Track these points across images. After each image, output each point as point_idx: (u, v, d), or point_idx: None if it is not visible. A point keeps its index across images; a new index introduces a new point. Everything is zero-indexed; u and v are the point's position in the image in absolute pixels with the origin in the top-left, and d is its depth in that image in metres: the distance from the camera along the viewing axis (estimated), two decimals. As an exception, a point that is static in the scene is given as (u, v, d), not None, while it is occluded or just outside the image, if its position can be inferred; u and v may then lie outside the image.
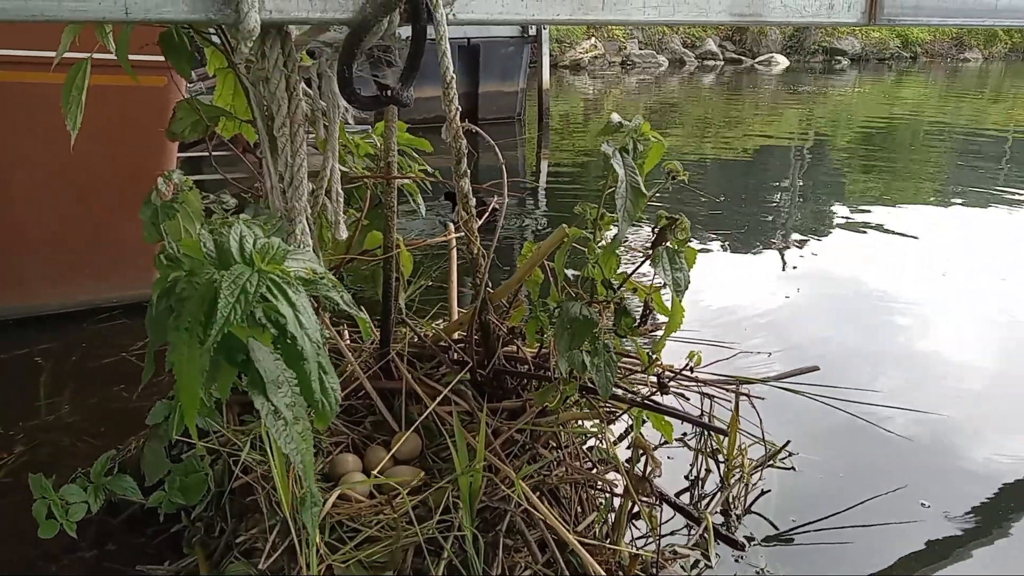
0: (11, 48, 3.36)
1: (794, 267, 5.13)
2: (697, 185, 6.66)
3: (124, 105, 3.62)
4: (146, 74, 3.45)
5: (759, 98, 15.69)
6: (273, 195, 2.04)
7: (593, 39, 20.70)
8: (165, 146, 3.84)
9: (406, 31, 1.91)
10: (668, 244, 1.89)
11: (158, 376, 2.99)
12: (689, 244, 1.96)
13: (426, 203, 2.67)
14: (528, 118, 11.44)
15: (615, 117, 1.89)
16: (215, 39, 2.15)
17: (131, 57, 2.15)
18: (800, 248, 5.57)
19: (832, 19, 2.44)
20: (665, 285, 2.14)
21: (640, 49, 21.31)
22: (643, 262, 2.01)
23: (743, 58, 22.27)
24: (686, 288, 1.86)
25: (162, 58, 3.53)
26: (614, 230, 1.83)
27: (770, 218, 6.41)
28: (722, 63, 21.95)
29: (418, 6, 1.84)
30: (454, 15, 1.93)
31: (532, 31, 11.10)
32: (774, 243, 5.70)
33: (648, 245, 1.98)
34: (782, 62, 22.03)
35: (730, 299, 4.39)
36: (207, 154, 4.99)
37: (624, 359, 2.33)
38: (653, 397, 2.21)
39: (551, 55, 15.11)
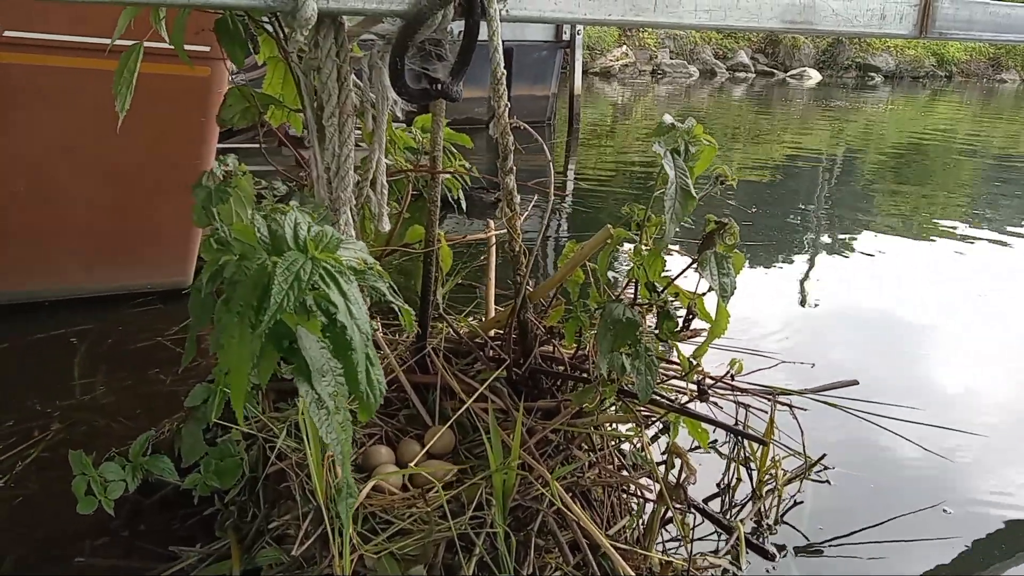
0: (56, 33, 3.41)
1: (818, 279, 5.07)
2: (724, 197, 6.57)
3: (167, 94, 3.65)
4: (191, 63, 3.51)
5: (790, 112, 15.56)
6: (319, 185, 2.05)
7: (624, 47, 20.66)
8: (206, 136, 3.88)
9: (457, 26, 1.92)
10: (716, 249, 1.87)
11: (194, 360, 3.02)
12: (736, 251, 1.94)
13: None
14: (557, 123, 11.43)
15: (667, 118, 1.87)
16: (268, 27, 2.16)
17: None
18: (828, 263, 5.50)
19: (883, 30, 2.41)
20: (707, 291, 2.12)
21: (671, 58, 21.24)
22: (689, 266, 1.99)
23: (775, 71, 22.11)
24: (732, 293, 1.84)
25: (207, 48, 3.59)
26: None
27: (797, 232, 6.34)
28: (753, 75, 21.81)
29: (473, 1, 1.85)
30: (507, 11, 1.93)
31: (566, 36, 11.11)
32: (802, 256, 5.64)
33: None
34: (814, 76, 21.84)
35: (760, 309, 4.35)
36: (245, 145, 5.04)
37: (662, 364, 2.31)
38: (691, 404, 2.19)
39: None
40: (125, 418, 2.87)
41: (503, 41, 1.85)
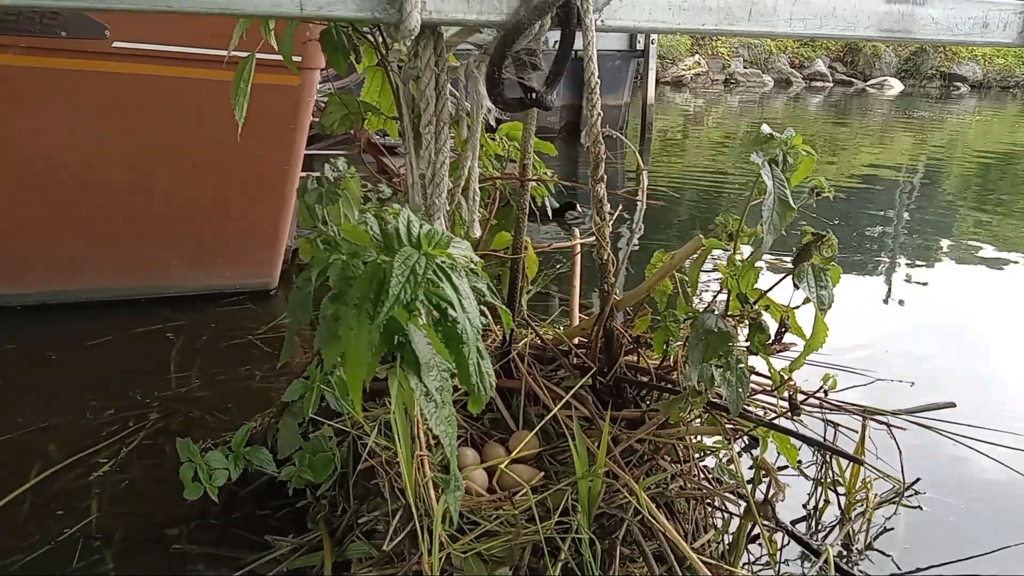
0: (161, 44, 3.60)
1: (900, 302, 4.88)
2: (804, 210, 6.42)
3: (260, 102, 3.80)
4: (282, 73, 3.65)
5: (869, 123, 15.07)
6: (414, 191, 2.10)
7: (697, 56, 20.43)
8: (295, 142, 4.03)
9: (552, 36, 1.94)
10: (813, 261, 1.84)
11: (277, 360, 3.10)
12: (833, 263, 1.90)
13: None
14: (630, 132, 11.38)
15: (765, 128, 1.85)
16: (369, 38, 2.24)
17: (271, 57, 2.27)
18: (910, 281, 5.30)
19: (986, 39, 2.33)
20: (800, 305, 2.08)
21: (745, 67, 20.87)
22: (782, 278, 1.96)
23: (854, 80, 21.46)
24: (830, 306, 1.81)
25: (299, 58, 3.73)
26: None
27: (877, 248, 6.13)
28: (831, 85, 21.22)
29: (570, 11, 1.87)
30: (602, 21, 1.95)
31: (640, 45, 11.07)
32: (881, 273, 5.45)
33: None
34: (896, 86, 21.10)
35: (847, 326, 4.22)
36: (326, 152, 5.20)
37: (751, 377, 2.27)
38: (781, 419, 2.15)
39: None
40: (218, 411, 2.99)
41: (576, 51, 1.87)
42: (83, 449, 2.72)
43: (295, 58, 3.68)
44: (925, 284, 5.29)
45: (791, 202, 1.78)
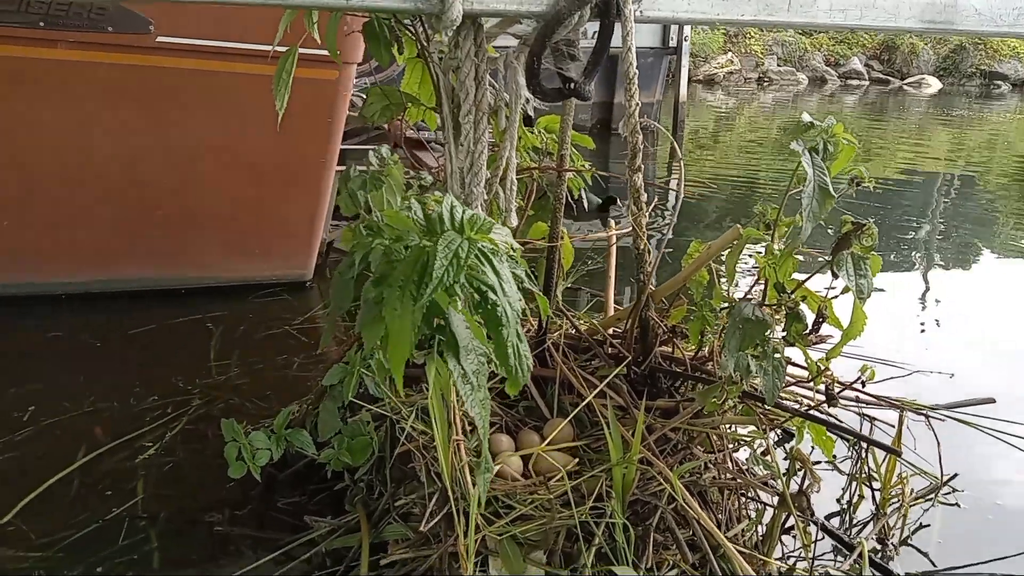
0: (204, 39, 3.68)
1: (937, 301, 4.80)
2: (838, 208, 6.34)
3: (299, 96, 3.87)
4: (320, 67, 3.71)
5: (906, 122, 14.80)
6: (453, 180, 2.13)
7: (730, 53, 20.23)
8: (331, 136, 4.09)
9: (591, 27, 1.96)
10: (852, 250, 1.83)
11: (317, 350, 3.16)
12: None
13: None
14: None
15: (806, 116, 1.85)
16: (410, 30, 2.27)
17: (309, 51, 2.31)
18: (947, 280, 5.22)
19: (1032, 29, 2.29)
20: (837, 295, 2.07)
21: (779, 65, 20.62)
22: (820, 268, 1.96)
23: (891, 79, 21.08)
24: (870, 295, 1.80)
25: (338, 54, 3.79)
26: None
27: (914, 247, 6.04)
28: (867, 83, 20.86)
29: (610, 2, 1.89)
30: (641, 12, 1.96)
31: (672, 43, 11.01)
32: (917, 271, 5.36)
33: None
34: (934, 84, 20.67)
35: (883, 320, 4.17)
36: (361, 147, 5.27)
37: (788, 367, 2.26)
38: (818, 409, 2.14)
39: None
40: (257, 399, 3.06)
41: (610, 48, 1.88)
42: (128, 433, 2.80)
43: (334, 52, 3.77)
44: (963, 283, 5.21)
45: (831, 190, 1.78)
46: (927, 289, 5.06)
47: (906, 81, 20.87)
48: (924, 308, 4.65)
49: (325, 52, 2.44)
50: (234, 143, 3.88)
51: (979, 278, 5.34)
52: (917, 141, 12.22)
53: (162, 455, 2.68)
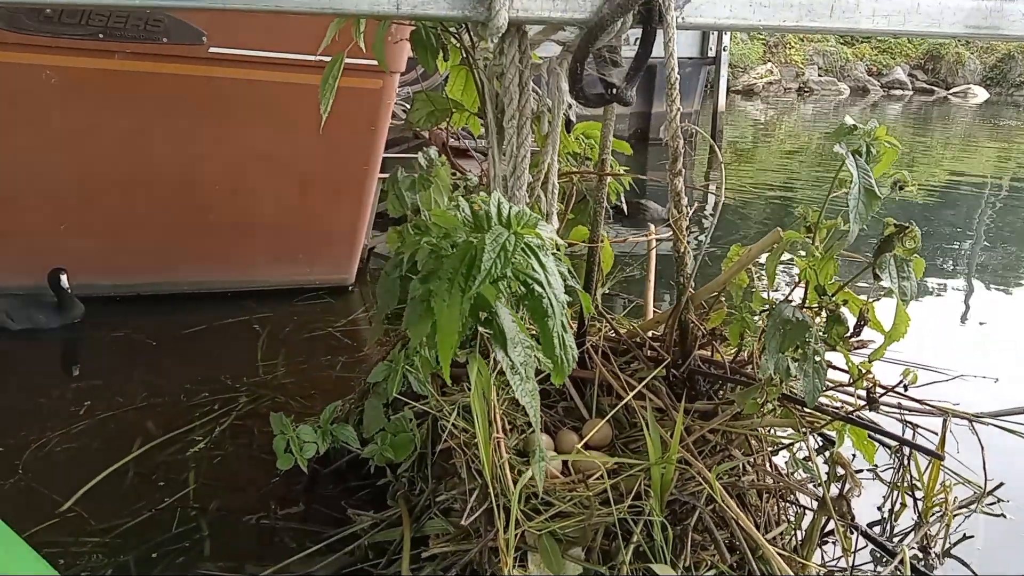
0: (254, 49, 3.80)
1: (985, 316, 4.70)
2: (880, 217, 6.24)
3: (343, 104, 3.98)
4: (364, 77, 3.81)
5: (951, 132, 14.49)
6: (496, 184, 2.18)
7: (769, 63, 20.05)
8: (374, 144, 4.18)
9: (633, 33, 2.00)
10: (895, 252, 1.83)
11: (361, 350, 3.23)
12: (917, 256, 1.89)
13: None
14: (699, 140, 11.26)
15: (848, 119, 1.86)
16: (454, 37, 2.34)
17: (353, 61, 2.38)
18: (990, 291, 5.11)
19: (1080, 33, 2.27)
20: (878, 298, 2.07)
21: (819, 75, 20.37)
22: (863, 271, 1.96)
23: (935, 88, 20.67)
24: (913, 298, 1.80)
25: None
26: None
27: (958, 258, 5.92)
28: (911, 93, 20.49)
29: (652, 8, 1.92)
30: (683, 18, 1.99)
31: (711, 53, 10.99)
32: (959, 282, 5.26)
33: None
34: (980, 94, 20.19)
35: (927, 329, 4.11)
36: (404, 155, 5.36)
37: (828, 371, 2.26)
38: (859, 413, 2.13)
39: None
40: (302, 397, 3.15)
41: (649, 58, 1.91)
42: (179, 427, 2.90)
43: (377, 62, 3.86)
44: (1008, 290, 5.09)
45: (877, 191, 1.79)
46: (970, 295, 4.97)
47: (951, 91, 20.45)
48: (968, 314, 4.56)
49: (369, 62, 2.53)
50: (281, 151, 4.00)
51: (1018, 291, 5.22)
52: (963, 152, 11.96)
53: (211, 449, 2.77)
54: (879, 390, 2.06)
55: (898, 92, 20.46)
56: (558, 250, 1.51)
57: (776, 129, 14.65)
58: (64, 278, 3.72)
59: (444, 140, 4.53)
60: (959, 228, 6.90)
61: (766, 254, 2.13)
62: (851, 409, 2.16)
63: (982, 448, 2.40)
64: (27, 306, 3.73)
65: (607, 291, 3.32)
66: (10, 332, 3.67)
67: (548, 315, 1.36)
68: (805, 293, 2.02)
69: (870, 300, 2.02)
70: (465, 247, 1.39)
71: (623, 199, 2.70)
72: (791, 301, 1.96)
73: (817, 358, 1.91)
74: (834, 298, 1.99)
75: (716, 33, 10.74)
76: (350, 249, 4.35)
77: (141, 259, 4.06)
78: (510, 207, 1.45)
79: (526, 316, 1.50)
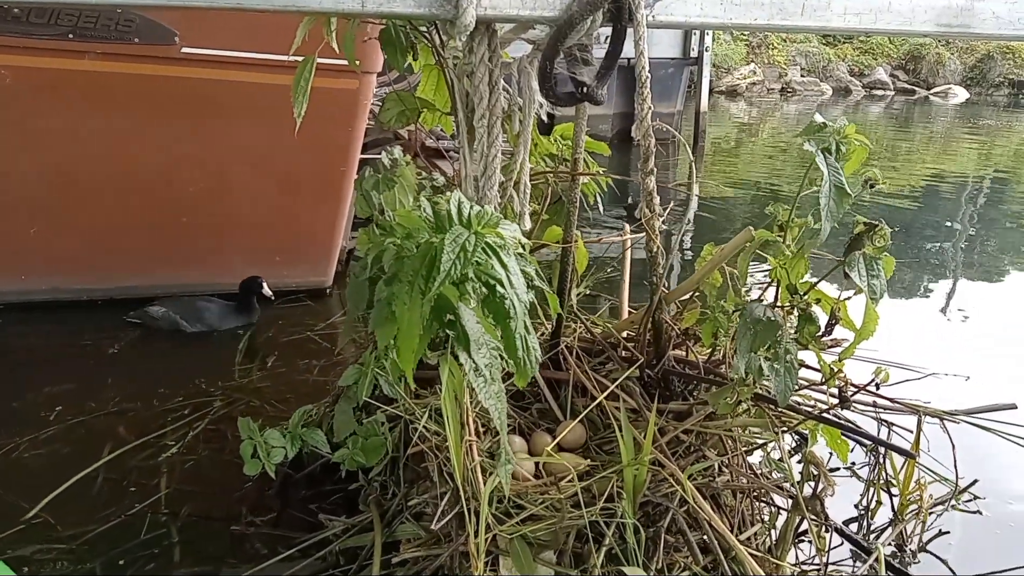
0: (226, 49, 3.76)
1: (964, 315, 4.73)
2: (863, 215, 6.28)
3: (320, 105, 3.94)
4: (340, 77, 3.77)
5: (932, 132, 14.61)
6: (467, 183, 2.16)
7: (752, 64, 20.15)
8: (352, 145, 4.15)
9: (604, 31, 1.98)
10: (865, 251, 1.83)
11: (338, 354, 3.20)
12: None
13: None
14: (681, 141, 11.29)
15: (818, 117, 1.86)
16: (426, 37, 2.31)
17: (330, 61, 2.36)
18: (973, 287, 5.15)
19: (1051, 32, 2.28)
20: (850, 297, 2.07)
21: (802, 76, 20.49)
22: (833, 269, 1.95)
23: (916, 88, 20.85)
24: (882, 296, 1.79)
25: (357, 62, 3.85)
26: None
27: (939, 255, 5.96)
28: (892, 93, 20.66)
29: (621, 6, 1.91)
30: (653, 17, 1.97)
31: (693, 53, 11.02)
32: (943, 279, 5.30)
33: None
34: (960, 94, 20.40)
35: (902, 326, 4.13)
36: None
37: (801, 370, 2.25)
38: (832, 413, 2.13)
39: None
40: (277, 401, 3.11)
41: (628, 59, 1.89)
42: (152, 432, 2.86)
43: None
44: (987, 290, 5.13)
45: (847, 188, 1.78)
46: (951, 294, 5.00)
47: (932, 91, 20.63)
48: (946, 313, 4.59)
49: (345, 62, 2.50)
50: (257, 153, 3.95)
51: (1004, 286, 5.25)
52: (944, 151, 12.06)
53: (184, 454, 2.74)
54: (851, 389, 2.05)
55: (880, 92, 20.63)
56: (524, 250, 1.49)
57: (760, 129, 14.72)
58: (266, 286, 3.85)
59: (421, 140, 4.52)
60: (940, 224, 6.95)
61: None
62: (824, 408, 2.16)
63: (953, 446, 2.40)
64: (200, 309, 3.79)
65: (589, 291, 3.31)
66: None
67: (510, 316, 1.34)
68: (777, 292, 2.02)
69: (841, 298, 2.01)
70: (426, 248, 1.37)
71: (599, 201, 2.69)
72: (762, 300, 1.95)
73: (789, 357, 1.91)
74: (806, 297, 1.99)
75: (698, 33, 10.77)
76: (328, 251, 4.31)
77: (115, 262, 4.01)
78: (471, 207, 1.43)
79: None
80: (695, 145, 10.88)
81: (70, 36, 3.46)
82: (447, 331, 1.47)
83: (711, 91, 16.30)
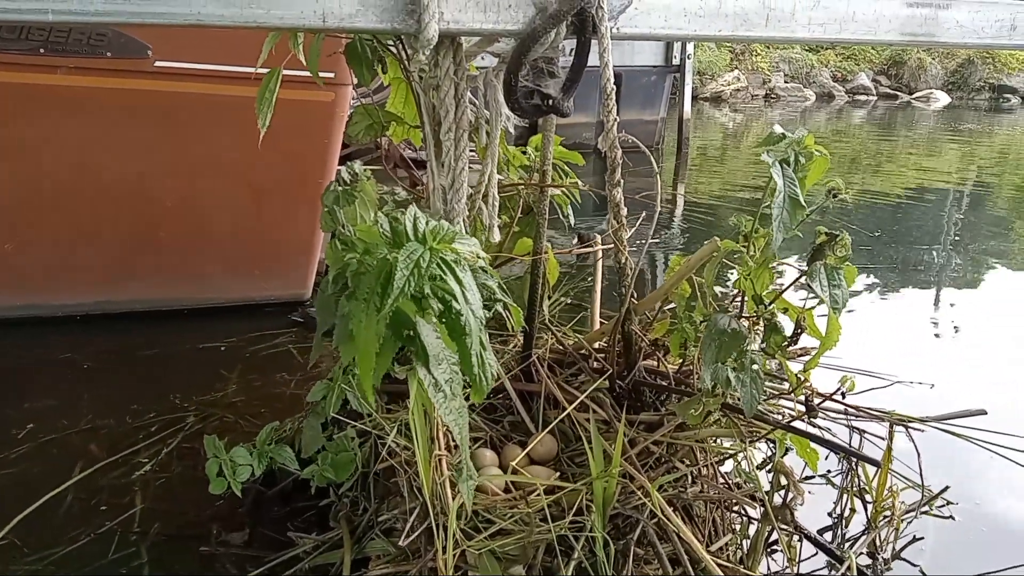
0: (200, 63, 3.75)
1: (951, 322, 4.76)
2: (844, 219, 6.36)
3: (295, 117, 3.93)
4: (315, 89, 3.77)
5: (915, 136, 14.75)
6: (435, 196, 2.16)
7: (736, 71, 20.29)
8: (328, 156, 4.14)
9: (569, 44, 1.99)
10: (826, 261, 1.84)
11: (317, 366, 3.19)
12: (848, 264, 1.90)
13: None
14: (666, 148, 11.35)
15: (777, 128, 1.87)
16: (392, 50, 2.32)
17: (305, 74, 2.35)
18: (956, 292, 5.18)
19: (1014, 41, 2.30)
20: (816, 305, 2.08)
21: (786, 82, 20.65)
22: (797, 279, 1.96)
23: (899, 93, 21.04)
24: (844, 305, 1.80)
25: (331, 74, 3.84)
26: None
27: (922, 259, 6.00)
28: (875, 98, 20.85)
29: (585, 19, 1.91)
30: (618, 29, 1.98)
31: (676, 61, 11.08)
32: (926, 283, 5.33)
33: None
34: (942, 99, 20.60)
35: (878, 333, 4.15)
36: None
37: (769, 381, 2.26)
38: (800, 422, 2.13)
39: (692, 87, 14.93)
40: (252, 416, 3.08)
41: (613, 66, 1.90)
42: (124, 449, 2.83)
43: (328, 74, 3.82)
44: (966, 297, 5.16)
45: (802, 200, 1.79)
46: (936, 301, 5.03)
47: (914, 96, 20.83)
48: (922, 321, 4.61)
49: (322, 74, 2.50)
50: (233, 166, 3.93)
51: (980, 292, 5.29)
52: (927, 155, 12.17)
53: (156, 471, 2.71)
54: (817, 398, 2.06)
55: (863, 97, 20.80)
56: (485, 264, 1.49)
57: (745, 135, 14.81)
58: None
59: (400, 153, 4.52)
60: (923, 231, 7.00)
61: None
62: (792, 417, 2.16)
63: (918, 454, 2.42)
64: None
65: (569, 301, 3.31)
66: None
67: (466, 333, 1.33)
68: (742, 303, 2.02)
69: (806, 307, 2.02)
70: (381, 264, 1.36)
71: (571, 213, 2.69)
72: (728, 311, 1.95)
73: (755, 367, 1.91)
74: (771, 306, 2.00)
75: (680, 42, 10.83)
76: (306, 263, 4.29)
77: (89, 278, 3.98)
78: (427, 222, 1.42)
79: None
80: (679, 152, 10.93)
81: (41, 51, 3.43)
82: (408, 346, 1.47)
83: (695, 98, 16.39)
